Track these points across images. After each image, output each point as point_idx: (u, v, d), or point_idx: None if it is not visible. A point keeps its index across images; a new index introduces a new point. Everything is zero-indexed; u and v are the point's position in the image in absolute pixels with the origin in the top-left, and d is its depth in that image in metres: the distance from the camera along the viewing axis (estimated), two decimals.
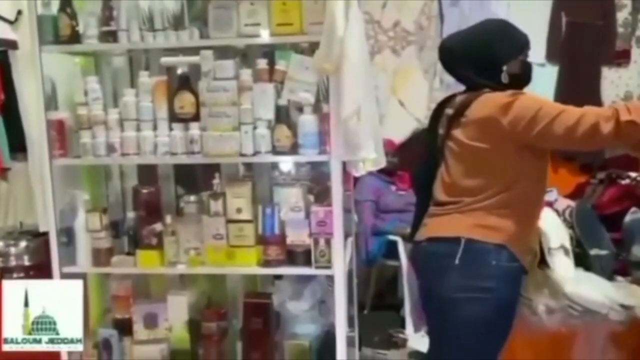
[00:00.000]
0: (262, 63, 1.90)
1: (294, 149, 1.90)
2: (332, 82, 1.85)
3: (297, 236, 1.92)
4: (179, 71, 1.93)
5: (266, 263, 1.93)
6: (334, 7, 1.75)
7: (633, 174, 2.00)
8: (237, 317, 2.10)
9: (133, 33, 1.93)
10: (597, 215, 1.88)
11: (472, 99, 1.59)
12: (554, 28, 3.35)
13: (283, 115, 1.90)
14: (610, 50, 3.29)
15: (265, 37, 1.89)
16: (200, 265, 1.96)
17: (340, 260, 1.89)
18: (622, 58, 3.31)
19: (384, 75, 3.68)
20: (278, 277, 2.14)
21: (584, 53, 3.32)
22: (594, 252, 1.79)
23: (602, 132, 1.38)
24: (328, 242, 1.89)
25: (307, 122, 1.88)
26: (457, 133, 1.59)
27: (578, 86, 3.33)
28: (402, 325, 3.01)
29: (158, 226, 1.98)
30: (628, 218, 1.83)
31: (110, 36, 1.94)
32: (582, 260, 1.84)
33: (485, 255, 1.51)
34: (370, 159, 1.93)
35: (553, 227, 1.86)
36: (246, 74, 1.89)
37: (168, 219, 1.98)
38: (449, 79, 3.72)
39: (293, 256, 1.93)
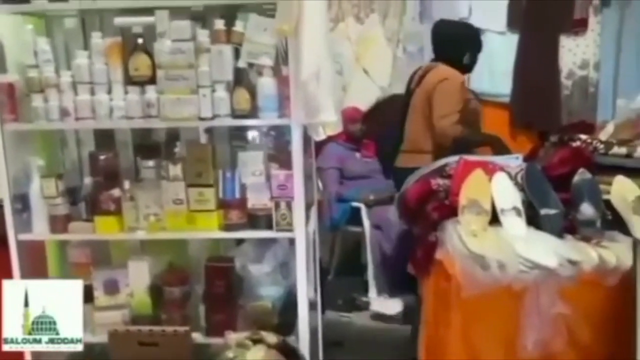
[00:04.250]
0: (219, 24, 1.87)
1: (253, 113, 1.89)
2: (291, 44, 1.83)
3: (258, 200, 1.93)
4: (134, 32, 1.88)
5: (227, 227, 1.94)
6: None
7: (583, 136, 2.06)
8: (200, 282, 2.11)
9: None
10: (546, 176, 1.93)
11: (431, 68, 2.72)
12: None
13: (242, 78, 1.88)
14: (568, 18, 3.35)
15: None
16: (160, 231, 1.95)
17: (301, 223, 1.91)
18: (579, 27, 3.38)
19: (348, 43, 3.67)
20: (240, 240, 2.15)
21: (543, 21, 3.37)
22: (543, 211, 1.84)
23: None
24: (289, 206, 1.90)
25: (267, 85, 1.87)
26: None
27: (537, 54, 3.40)
28: (366, 289, 3.08)
29: (116, 192, 1.96)
30: (576, 178, 1.88)
31: None
32: (533, 220, 1.90)
33: None
34: (331, 122, 1.94)
35: (505, 189, 1.91)
36: (203, 35, 1.85)
37: (126, 184, 1.96)
38: (411, 47, 3.78)
39: (254, 220, 1.94)
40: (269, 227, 1.92)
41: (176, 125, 1.99)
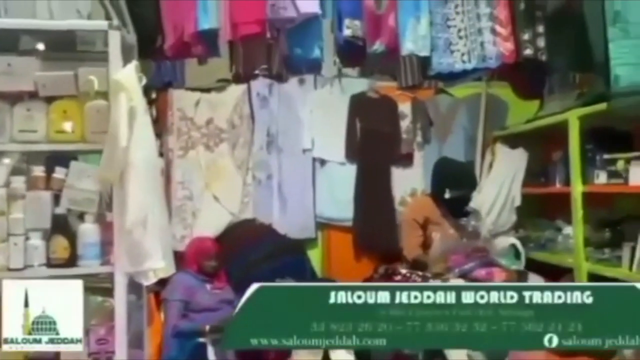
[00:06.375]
0: (38, 170, 1.81)
1: (72, 261, 1.79)
2: (116, 190, 1.81)
3: (74, 356, 1.76)
4: None
5: None
6: (117, 117, 1.76)
7: (404, 270, 2.25)
8: None
9: None
10: None
11: None
12: (351, 132, 3.75)
13: (61, 225, 1.80)
14: (396, 152, 3.78)
15: (42, 144, 1.81)
16: None
17: None
18: (407, 159, 3.81)
19: (198, 170, 3.71)
20: None
21: (375, 154, 3.75)
22: None
23: None
24: None
25: (88, 231, 1.81)
26: None
27: (372, 182, 3.73)
28: None
29: None
30: None
31: None
32: (362, 355, 1.97)
33: None
34: (159, 268, 1.90)
35: None
36: (18, 182, 1.77)
37: None
38: (261, 175, 3.91)
39: None
40: None
41: None
